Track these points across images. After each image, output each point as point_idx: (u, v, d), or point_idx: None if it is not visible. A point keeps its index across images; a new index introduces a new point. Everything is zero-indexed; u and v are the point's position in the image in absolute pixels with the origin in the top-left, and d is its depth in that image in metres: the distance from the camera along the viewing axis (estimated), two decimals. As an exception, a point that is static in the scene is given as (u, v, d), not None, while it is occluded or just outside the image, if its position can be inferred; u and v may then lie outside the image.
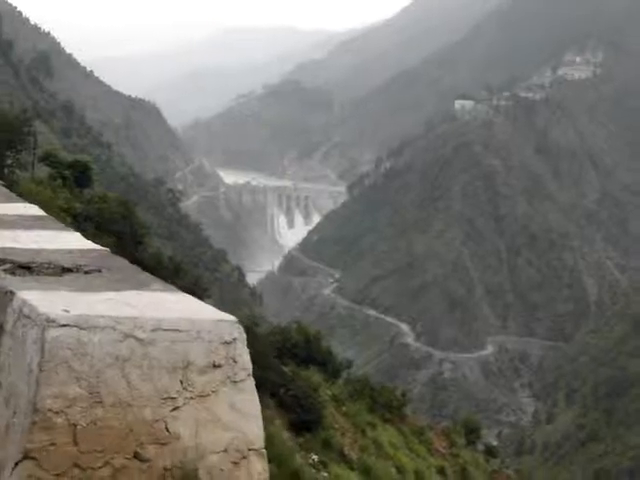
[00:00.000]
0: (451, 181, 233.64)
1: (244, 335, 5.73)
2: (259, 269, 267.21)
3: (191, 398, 5.44)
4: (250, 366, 5.69)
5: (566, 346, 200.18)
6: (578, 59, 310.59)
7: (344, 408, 20.44)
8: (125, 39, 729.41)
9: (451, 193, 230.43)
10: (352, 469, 17.79)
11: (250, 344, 17.77)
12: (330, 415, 18.63)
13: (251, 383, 5.77)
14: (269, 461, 12.13)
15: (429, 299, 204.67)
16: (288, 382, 16.95)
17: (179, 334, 5.44)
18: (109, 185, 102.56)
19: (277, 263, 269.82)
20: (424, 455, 23.89)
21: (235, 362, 5.65)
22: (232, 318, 5.75)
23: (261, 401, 17.76)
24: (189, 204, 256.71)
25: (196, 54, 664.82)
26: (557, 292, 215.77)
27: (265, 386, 16.53)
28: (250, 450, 5.72)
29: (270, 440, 11.47)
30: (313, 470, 15.16)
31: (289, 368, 18.53)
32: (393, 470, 20.12)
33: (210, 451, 5.49)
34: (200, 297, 16.46)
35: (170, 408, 5.36)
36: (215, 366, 5.55)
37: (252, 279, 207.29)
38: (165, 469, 5.31)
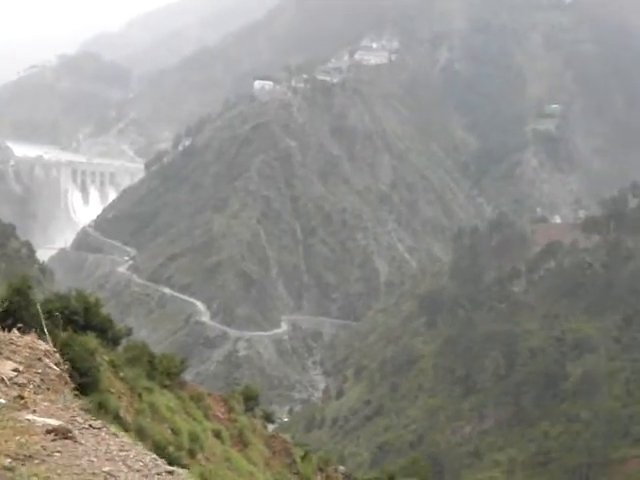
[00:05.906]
0: (249, 161, 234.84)
1: None
2: (51, 245, 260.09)
3: None
4: None
5: (357, 325, 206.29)
6: (374, 45, 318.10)
7: (121, 373, 20.61)
8: None
9: (249, 173, 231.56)
10: (127, 430, 18.05)
11: (24, 308, 17.67)
12: (107, 380, 18.79)
13: None
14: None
15: (225, 278, 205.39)
16: (63, 346, 16.96)
17: None
18: None
19: (70, 240, 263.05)
20: (201, 419, 24.45)
21: None
22: None
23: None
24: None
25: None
26: (350, 272, 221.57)
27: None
28: None
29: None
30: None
31: (66, 334, 18.50)
32: (168, 431, 20.56)
33: None
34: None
35: None
36: None
37: (43, 256, 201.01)
38: None
